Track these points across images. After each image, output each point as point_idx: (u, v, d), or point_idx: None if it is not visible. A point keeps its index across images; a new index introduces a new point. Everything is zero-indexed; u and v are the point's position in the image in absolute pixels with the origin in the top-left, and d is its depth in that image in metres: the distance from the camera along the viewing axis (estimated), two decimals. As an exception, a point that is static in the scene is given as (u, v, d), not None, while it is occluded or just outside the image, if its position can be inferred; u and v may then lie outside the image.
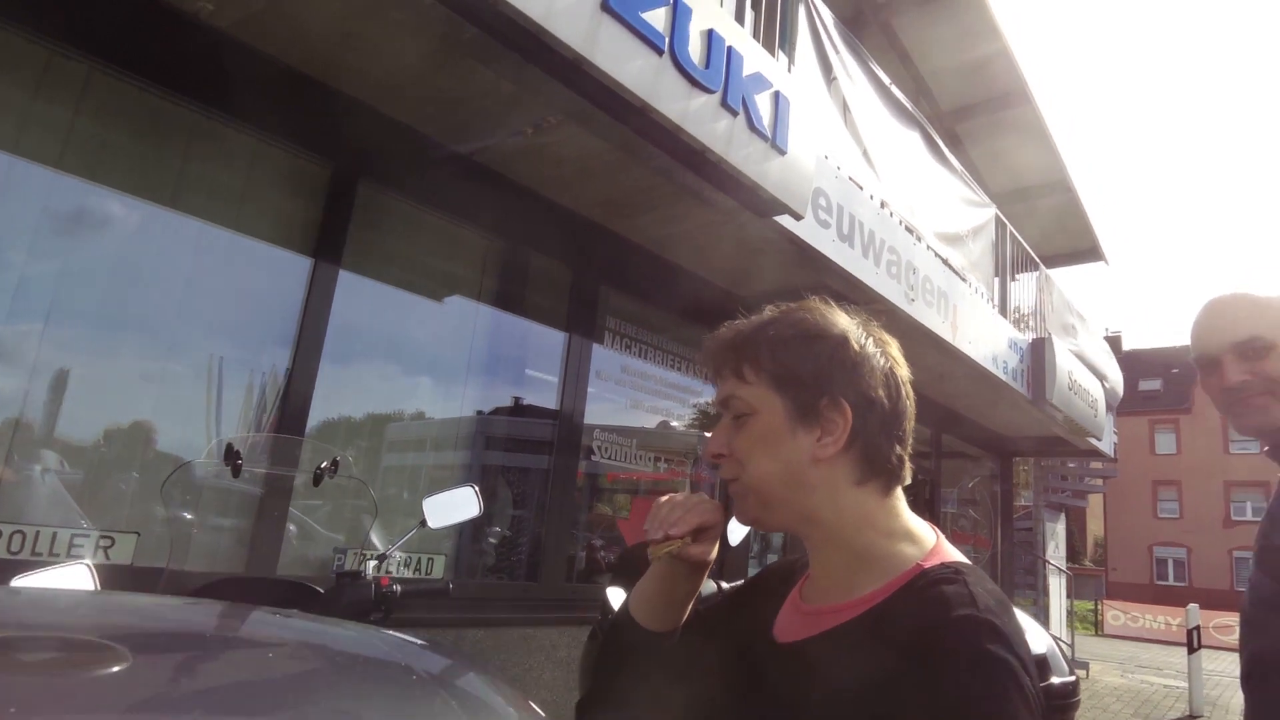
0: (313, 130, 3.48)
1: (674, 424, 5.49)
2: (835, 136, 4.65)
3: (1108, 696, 9.52)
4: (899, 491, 0.98)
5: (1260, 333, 1.45)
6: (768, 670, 0.95)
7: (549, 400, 4.56)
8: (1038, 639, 4.94)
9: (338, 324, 3.57)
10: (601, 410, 4.81)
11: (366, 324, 3.84)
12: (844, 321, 0.99)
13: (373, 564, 2.11)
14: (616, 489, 5.30)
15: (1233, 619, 1.64)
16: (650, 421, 5.25)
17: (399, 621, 3.43)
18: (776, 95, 3.68)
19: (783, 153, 3.71)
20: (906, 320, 5.35)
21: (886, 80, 5.41)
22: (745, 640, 1.03)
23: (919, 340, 5.67)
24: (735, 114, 3.46)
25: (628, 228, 4.57)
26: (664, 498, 1.05)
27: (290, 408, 3.40)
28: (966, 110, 9.11)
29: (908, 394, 0.99)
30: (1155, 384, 38.45)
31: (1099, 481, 14.46)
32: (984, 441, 10.27)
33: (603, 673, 1.17)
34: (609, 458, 4.85)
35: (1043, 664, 4.59)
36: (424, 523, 2.19)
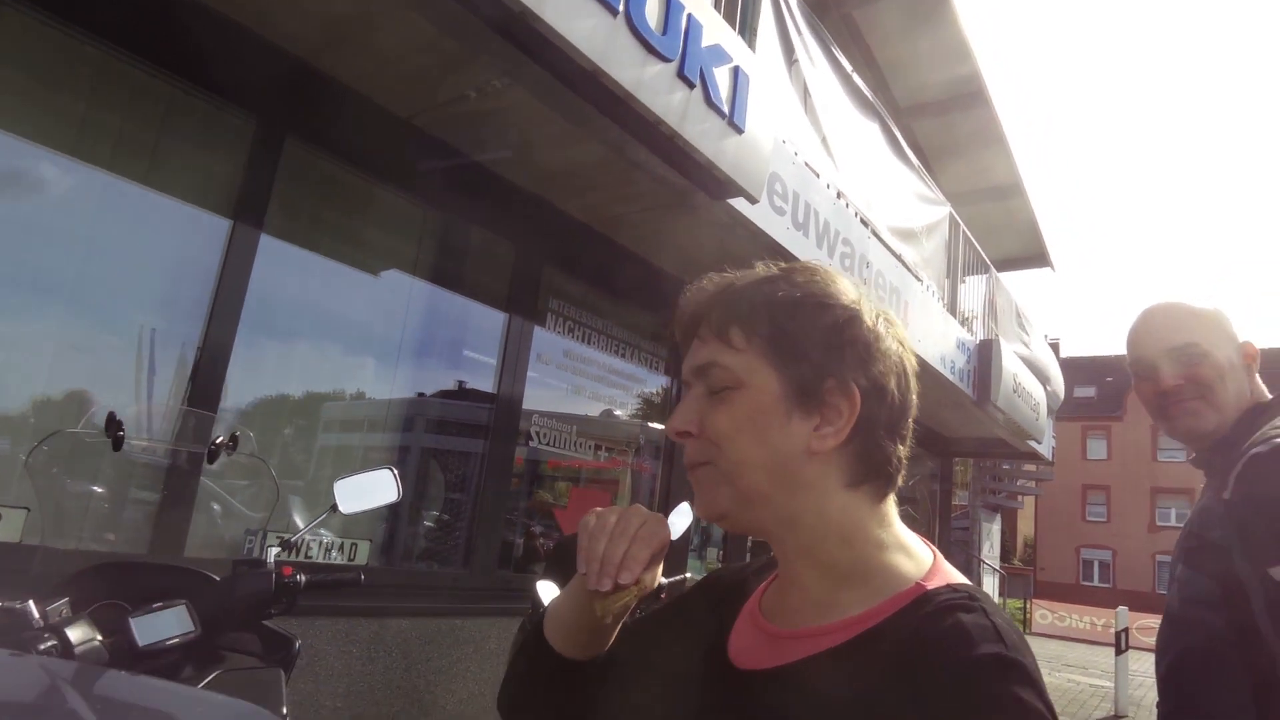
0: (236, 79, 3.21)
1: (617, 412, 5.32)
2: (794, 121, 4.52)
3: (1036, 695, 9.64)
4: (892, 499, 0.82)
5: (1196, 340, 1.52)
6: (729, 703, 0.79)
7: (486, 383, 4.35)
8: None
9: (258, 293, 3.31)
10: (542, 395, 4.62)
11: (290, 294, 3.59)
12: (853, 292, 0.82)
13: (275, 551, 1.90)
14: (558, 476, 5.13)
15: (1157, 620, 1.69)
16: (592, 408, 5.07)
17: (310, 610, 3.21)
18: (736, 70, 3.52)
19: (740, 131, 3.56)
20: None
21: (849, 67, 5.29)
22: (691, 664, 0.85)
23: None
24: (692, 86, 3.29)
25: (575, 206, 4.38)
26: (591, 519, 0.84)
27: (202, 382, 3.12)
28: (922, 108, 9.08)
29: (915, 389, 0.83)
30: (1090, 391, 39.50)
31: (1033, 484, 14.74)
32: (925, 440, 10.33)
33: (519, 692, 0.99)
34: (548, 444, 4.66)
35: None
36: (335, 507, 1.98)
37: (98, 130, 3.04)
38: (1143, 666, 12.09)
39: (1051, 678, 11.70)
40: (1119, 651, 9.40)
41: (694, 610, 0.95)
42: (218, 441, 1.79)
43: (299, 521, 3.59)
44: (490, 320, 4.37)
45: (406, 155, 3.78)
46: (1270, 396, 1.55)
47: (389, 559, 3.96)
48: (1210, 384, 1.51)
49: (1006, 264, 11.10)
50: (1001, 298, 8.74)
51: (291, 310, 3.61)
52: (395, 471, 2.04)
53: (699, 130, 3.36)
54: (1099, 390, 39.76)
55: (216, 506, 3.36)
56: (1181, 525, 1.64)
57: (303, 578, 1.83)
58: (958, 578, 0.78)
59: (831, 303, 0.80)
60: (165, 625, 1.67)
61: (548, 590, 2.55)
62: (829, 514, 0.78)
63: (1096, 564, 38.58)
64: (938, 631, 0.69)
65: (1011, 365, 8.03)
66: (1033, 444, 9.96)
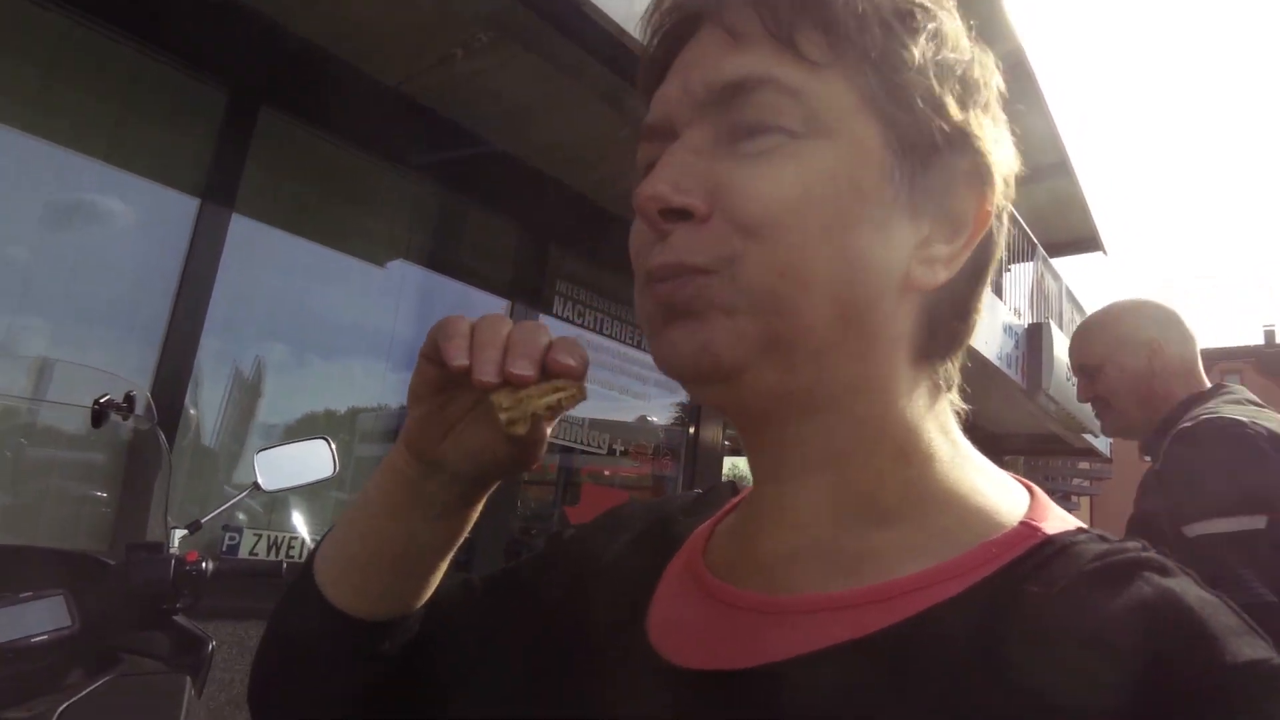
0: (204, 45, 2.96)
1: (637, 405, 4.99)
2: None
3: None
4: (951, 397, 0.47)
5: (1084, 360, 1.72)
6: None
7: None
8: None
9: (228, 281, 3.04)
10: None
11: (265, 282, 3.31)
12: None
13: (180, 534, 1.61)
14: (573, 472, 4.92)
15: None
16: (605, 400, 4.72)
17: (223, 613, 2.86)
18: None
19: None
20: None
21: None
22: (587, 657, 0.47)
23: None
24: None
25: (582, 180, 4.07)
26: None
27: (164, 381, 2.85)
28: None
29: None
30: (1146, 389, 38.21)
31: (1087, 483, 14.07)
32: (973, 439, 9.80)
33: (275, 683, 0.58)
34: (559, 439, 4.33)
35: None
36: (257, 484, 1.68)
37: (55, 102, 2.82)
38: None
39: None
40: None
41: (568, 563, 0.56)
42: (103, 400, 1.49)
43: (301, 530, 3.31)
44: (492, 307, 4.07)
45: (395, 127, 3.51)
46: (1209, 385, 1.64)
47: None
48: (1106, 398, 1.69)
49: (1054, 249, 10.55)
50: (1049, 278, 8.24)
51: (264, 301, 3.34)
52: (330, 442, 1.74)
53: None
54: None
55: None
56: None
57: (209, 564, 1.52)
58: (1074, 520, 0.42)
59: (964, 39, 0.44)
60: (34, 619, 1.38)
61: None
62: (894, 399, 0.43)
63: (1161, 569, 37.22)
64: (1127, 610, 0.34)
65: (1064, 351, 7.53)
66: (1089, 438, 9.39)
